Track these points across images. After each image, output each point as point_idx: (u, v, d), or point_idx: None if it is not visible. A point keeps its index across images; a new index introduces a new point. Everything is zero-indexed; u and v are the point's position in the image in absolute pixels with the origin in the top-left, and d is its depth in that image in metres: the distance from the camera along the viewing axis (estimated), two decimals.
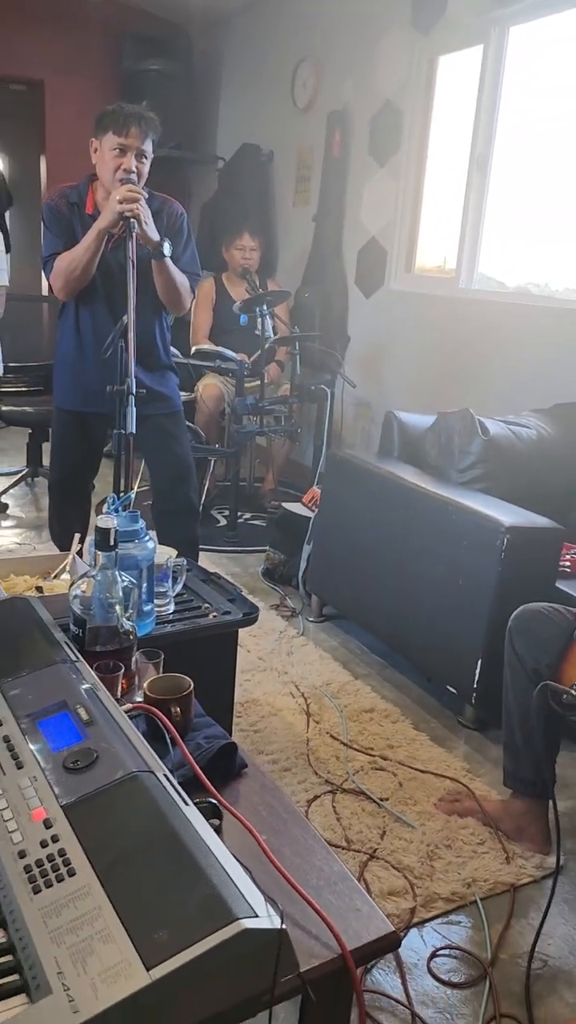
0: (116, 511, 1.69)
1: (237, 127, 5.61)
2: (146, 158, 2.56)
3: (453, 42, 3.84)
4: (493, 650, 2.24)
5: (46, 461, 4.37)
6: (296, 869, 1.08)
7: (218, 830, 1.11)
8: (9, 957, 0.83)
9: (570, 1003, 1.58)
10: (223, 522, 4.19)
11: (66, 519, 2.88)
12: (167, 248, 2.55)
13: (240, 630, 2.07)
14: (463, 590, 2.45)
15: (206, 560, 3.38)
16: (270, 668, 2.77)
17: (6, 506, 4.29)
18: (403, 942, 1.69)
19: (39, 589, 1.98)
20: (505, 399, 3.39)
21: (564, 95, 3.39)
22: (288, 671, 2.76)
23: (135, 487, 2.52)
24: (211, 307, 4.50)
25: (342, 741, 2.38)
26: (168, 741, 1.24)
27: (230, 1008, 0.81)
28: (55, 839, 0.93)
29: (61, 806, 0.98)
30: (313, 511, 3.30)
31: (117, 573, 1.47)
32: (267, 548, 3.60)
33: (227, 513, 4.14)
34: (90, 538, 1.75)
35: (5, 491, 4.38)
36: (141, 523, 1.75)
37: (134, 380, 2.35)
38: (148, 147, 2.54)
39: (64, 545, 2.65)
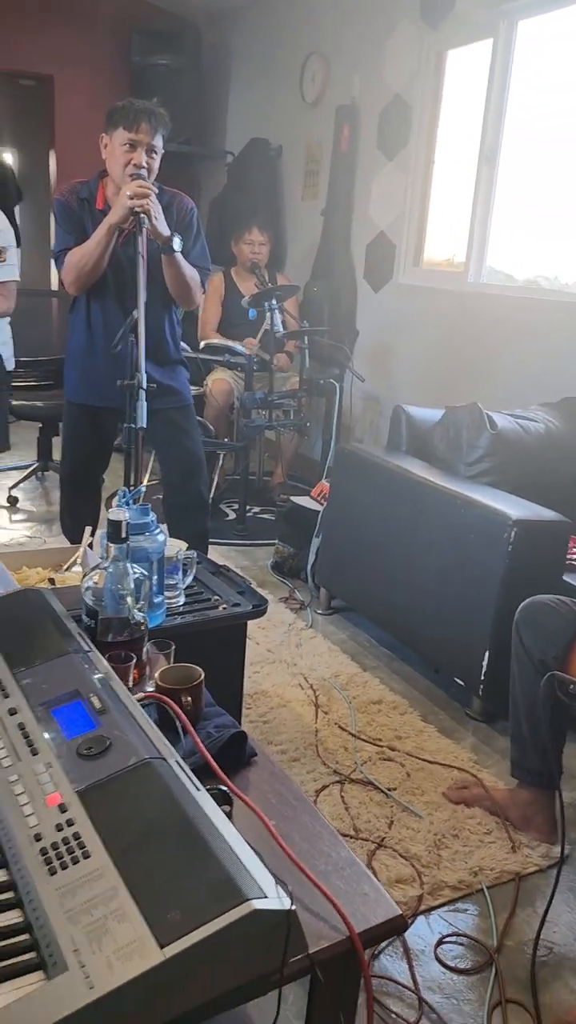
0: (127, 504, 1.72)
1: (246, 122, 5.62)
2: (156, 153, 2.57)
3: (462, 36, 3.84)
4: (500, 642, 2.26)
5: (56, 455, 4.40)
6: (304, 854, 1.10)
7: (228, 816, 1.13)
8: (26, 936, 0.86)
9: (575, 989, 1.60)
10: (232, 516, 4.21)
11: (78, 513, 2.91)
12: (177, 243, 2.56)
13: (249, 623, 2.09)
14: (471, 583, 2.47)
15: (215, 553, 3.41)
16: (279, 660, 2.79)
17: (16, 500, 4.32)
18: (410, 929, 1.71)
19: (51, 581, 2.00)
20: (514, 393, 3.40)
21: (573, 89, 3.39)
22: (297, 663, 2.78)
23: (145, 481, 2.54)
24: (220, 301, 4.51)
25: (350, 732, 2.40)
26: (179, 729, 1.26)
27: (241, 986, 0.83)
28: (70, 823, 0.96)
29: (75, 791, 1.00)
30: (322, 505, 3.32)
31: (129, 565, 1.49)
32: (276, 541, 3.62)
33: (236, 507, 4.17)
34: (101, 531, 1.78)
35: (16, 485, 4.41)
36: (152, 516, 1.77)
37: (144, 374, 2.37)
38: (158, 142, 2.56)
39: (75, 538, 2.67)
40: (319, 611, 3.21)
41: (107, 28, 5.71)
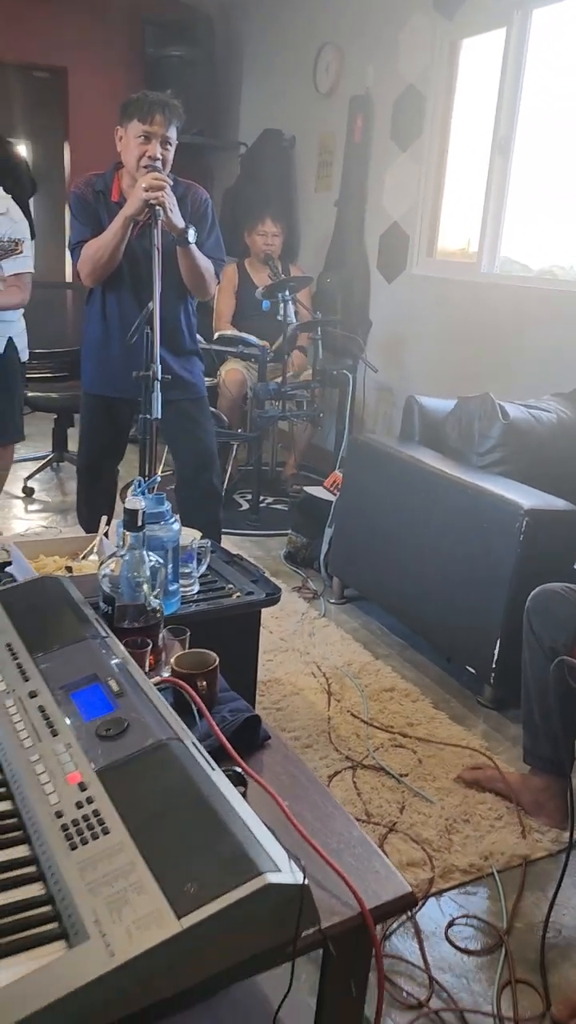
0: (143, 493, 1.74)
1: (259, 112, 5.62)
2: (170, 145, 2.59)
3: (476, 25, 3.83)
4: (512, 631, 2.28)
5: (71, 446, 4.45)
6: (317, 833, 1.13)
7: (243, 797, 1.16)
8: (49, 907, 0.89)
9: None
10: (246, 506, 4.24)
11: (94, 503, 2.95)
12: (192, 234, 2.59)
13: (263, 612, 2.12)
14: (483, 572, 2.49)
15: (229, 544, 3.44)
16: (292, 649, 2.82)
17: (32, 491, 4.36)
18: (421, 911, 1.74)
19: (68, 569, 2.03)
20: (527, 383, 3.41)
21: None
22: (310, 651, 2.81)
23: (159, 472, 2.57)
24: (233, 293, 4.53)
25: (362, 719, 2.43)
26: (195, 713, 1.29)
27: (255, 956, 0.86)
28: (90, 800, 0.99)
29: (95, 771, 1.03)
30: (335, 495, 3.34)
31: (145, 553, 1.52)
32: (289, 532, 3.65)
33: (250, 497, 4.20)
34: (116, 520, 1.81)
35: (31, 476, 4.45)
36: (167, 505, 1.80)
37: (159, 365, 2.40)
38: (172, 134, 2.58)
39: (91, 528, 2.70)
40: (332, 600, 3.24)
41: (120, 20, 5.72)
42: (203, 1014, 1.22)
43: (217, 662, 1.43)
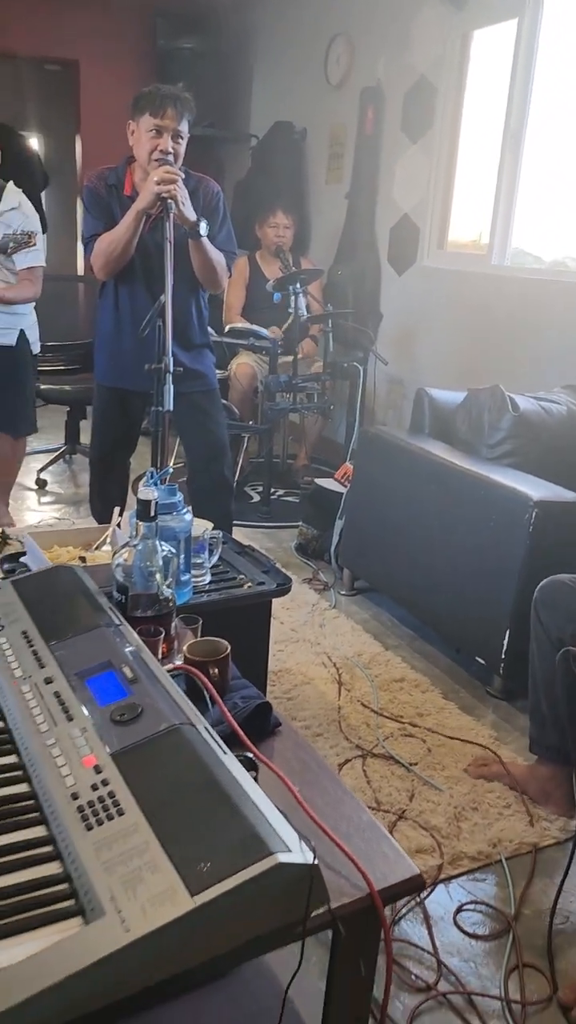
0: (156, 484, 1.77)
1: (270, 105, 5.62)
2: (182, 138, 2.60)
3: (487, 16, 3.83)
4: (521, 622, 2.29)
5: (84, 439, 4.47)
6: (326, 817, 1.15)
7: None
8: (65, 885, 0.92)
9: None
10: (256, 498, 4.26)
11: (107, 495, 2.97)
12: (204, 227, 2.60)
13: (274, 603, 2.14)
14: (492, 563, 2.50)
15: (240, 536, 3.44)
16: (303, 639, 2.85)
17: (45, 483, 4.39)
18: (430, 897, 1.76)
19: (82, 559, 2.06)
20: (537, 375, 3.41)
21: None
22: (320, 642, 2.83)
23: (171, 463, 2.59)
24: (244, 285, 4.54)
25: (373, 709, 2.45)
26: (207, 700, 1.31)
27: (266, 934, 0.88)
28: (105, 783, 1.01)
29: (109, 754, 1.06)
30: (345, 487, 3.36)
31: (157, 543, 1.54)
32: (300, 523, 3.67)
33: (260, 489, 4.22)
34: (129, 511, 1.83)
35: (44, 468, 4.49)
36: (179, 496, 1.82)
37: (171, 358, 2.41)
38: (184, 127, 2.59)
39: (104, 520, 2.73)
40: (342, 592, 3.26)
41: (132, 12, 5.73)
42: (215, 993, 1.24)
43: (229, 650, 1.45)
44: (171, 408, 2.44)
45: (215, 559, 2.06)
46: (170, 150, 2.56)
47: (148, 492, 1.52)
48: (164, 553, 1.55)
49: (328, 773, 1.31)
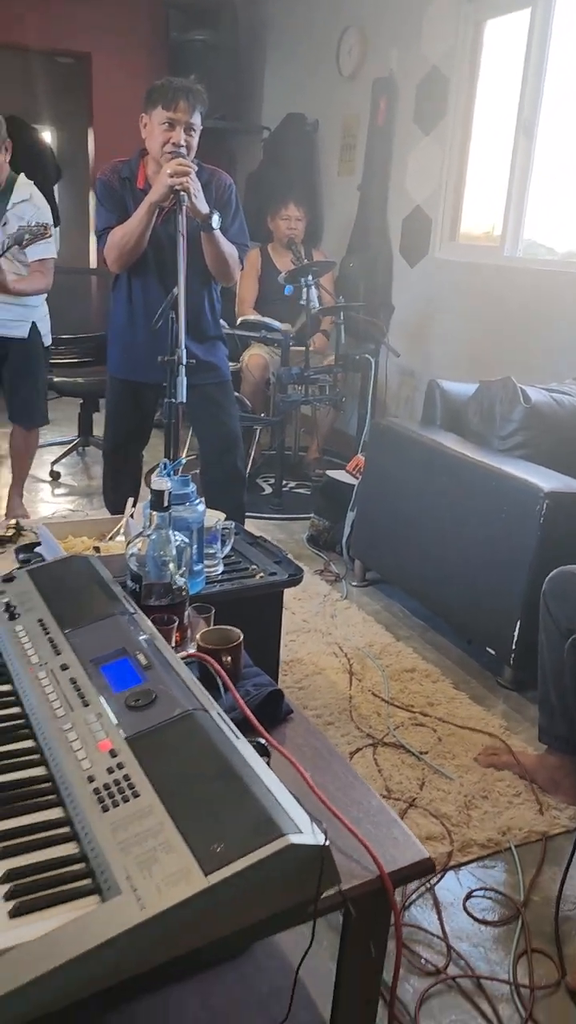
0: (169, 475, 1.79)
1: (282, 96, 5.62)
2: (195, 131, 2.62)
3: (500, 6, 3.82)
4: (532, 613, 2.30)
5: (96, 431, 4.50)
6: (337, 802, 1.17)
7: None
8: (82, 865, 0.94)
9: None
10: (269, 490, 4.28)
11: (120, 487, 3.00)
12: (216, 220, 2.61)
13: (285, 593, 2.16)
14: (503, 554, 2.51)
15: (252, 527, 3.47)
16: (314, 630, 2.86)
17: (59, 475, 4.42)
18: (440, 883, 1.78)
19: (96, 549, 2.08)
20: (549, 367, 3.41)
21: None
22: (332, 633, 2.85)
23: (183, 455, 2.61)
24: (256, 278, 4.55)
25: (383, 698, 2.47)
26: (220, 687, 1.33)
27: (278, 913, 0.91)
28: (120, 766, 1.03)
29: (124, 738, 1.08)
30: (357, 478, 3.37)
31: (171, 533, 1.56)
32: (312, 515, 3.69)
33: (272, 481, 4.24)
34: (142, 502, 1.85)
35: (57, 460, 4.52)
36: (192, 487, 1.84)
37: (184, 350, 2.43)
38: (196, 120, 2.60)
39: (118, 511, 2.75)
40: (354, 583, 3.28)
41: (144, 4, 5.73)
42: (228, 972, 1.27)
43: (241, 638, 1.48)
44: (184, 400, 2.46)
45: (227, 549, 2.08)
46: (183, 143, 2.57)
47: (161, 482, 1.54)
48: (177, 543, 1.57)
49: (339, 759, 1.33)
